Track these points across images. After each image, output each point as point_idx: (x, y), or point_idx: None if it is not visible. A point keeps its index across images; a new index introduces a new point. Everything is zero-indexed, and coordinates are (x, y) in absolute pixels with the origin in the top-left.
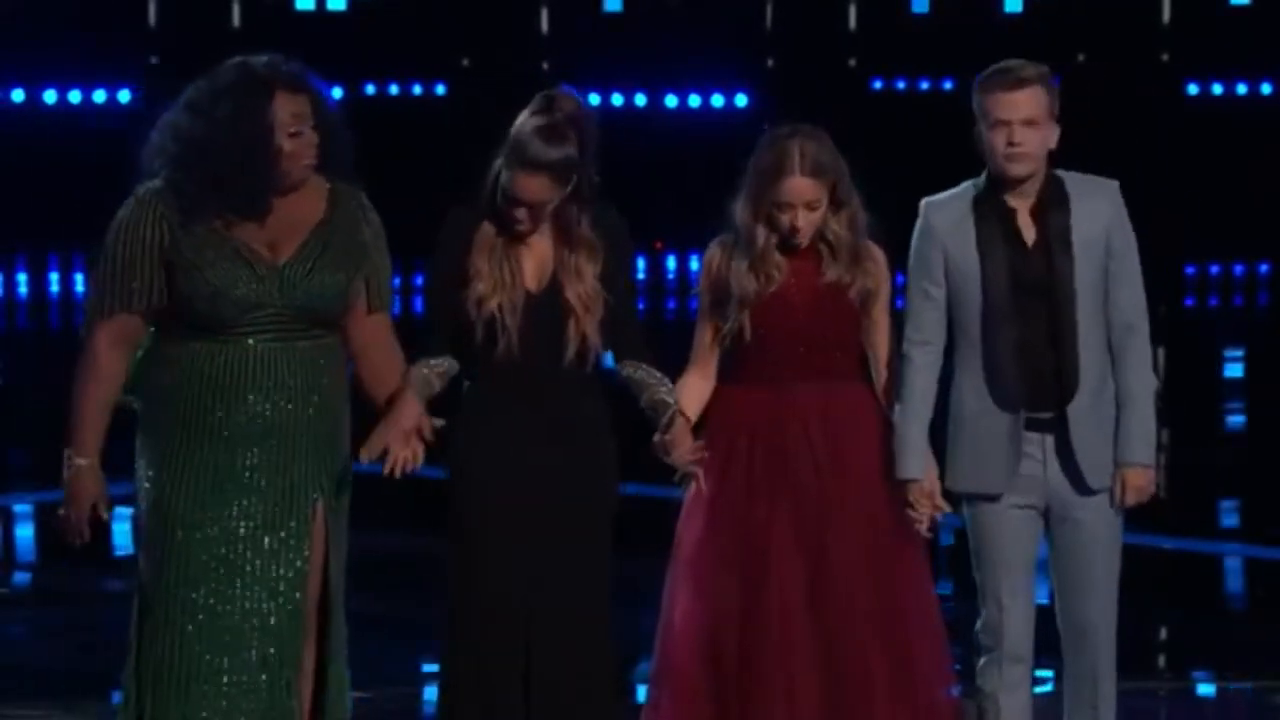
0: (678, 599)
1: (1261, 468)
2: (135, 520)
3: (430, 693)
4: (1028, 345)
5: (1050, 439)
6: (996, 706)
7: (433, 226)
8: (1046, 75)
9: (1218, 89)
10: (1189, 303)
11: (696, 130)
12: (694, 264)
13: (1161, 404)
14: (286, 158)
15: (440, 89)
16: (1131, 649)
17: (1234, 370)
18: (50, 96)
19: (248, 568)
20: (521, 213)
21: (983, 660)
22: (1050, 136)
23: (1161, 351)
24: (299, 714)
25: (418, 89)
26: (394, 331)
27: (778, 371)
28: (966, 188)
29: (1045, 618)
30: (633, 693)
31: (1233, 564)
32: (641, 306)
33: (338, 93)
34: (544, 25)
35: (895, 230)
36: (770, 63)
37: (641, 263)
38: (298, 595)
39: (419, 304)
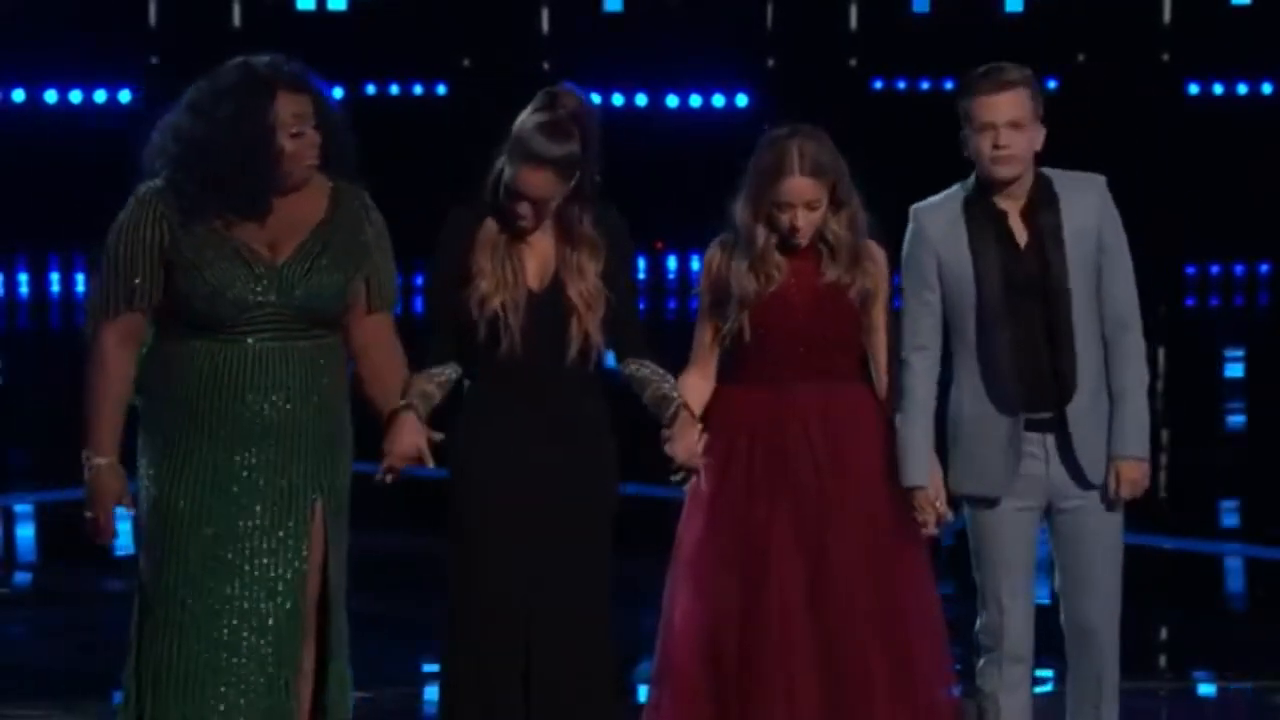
0: (678, 599)
1: (1262, 468)
2: (135, 520)
3: (430, 692)
4: (1024, 346)
5: (1051, 438)
6: (996, 707)
7: (433, 226)
8: (1030, 77)
9: (1218, 89)
10: (1189, 303)
11: (697, 130)
12: (694, 264)
13: (1156, 399)
14: (288, 158)
15: (441, 89)
16: (1132, 649)
17: (1234, 370)
18: (51, 96)
19: (246, 567)
20: (524, 208)
21: (983, 661)
22: (1036, 138)
23: (1162, 351)
24: (298, 714)
25: (418, 89)
26: (396, 331)
27: (778, 371)
28: (955, 191)
29: (1045, 618)
30: (633, 693)
31: (1233, 564)
32: (642, 306)
33: (338, 93)
34: (544, 25)
35: (895, 230)
36: (771, 63)
37: (642, 263)
38: (296, 595)
39: (419, 304)
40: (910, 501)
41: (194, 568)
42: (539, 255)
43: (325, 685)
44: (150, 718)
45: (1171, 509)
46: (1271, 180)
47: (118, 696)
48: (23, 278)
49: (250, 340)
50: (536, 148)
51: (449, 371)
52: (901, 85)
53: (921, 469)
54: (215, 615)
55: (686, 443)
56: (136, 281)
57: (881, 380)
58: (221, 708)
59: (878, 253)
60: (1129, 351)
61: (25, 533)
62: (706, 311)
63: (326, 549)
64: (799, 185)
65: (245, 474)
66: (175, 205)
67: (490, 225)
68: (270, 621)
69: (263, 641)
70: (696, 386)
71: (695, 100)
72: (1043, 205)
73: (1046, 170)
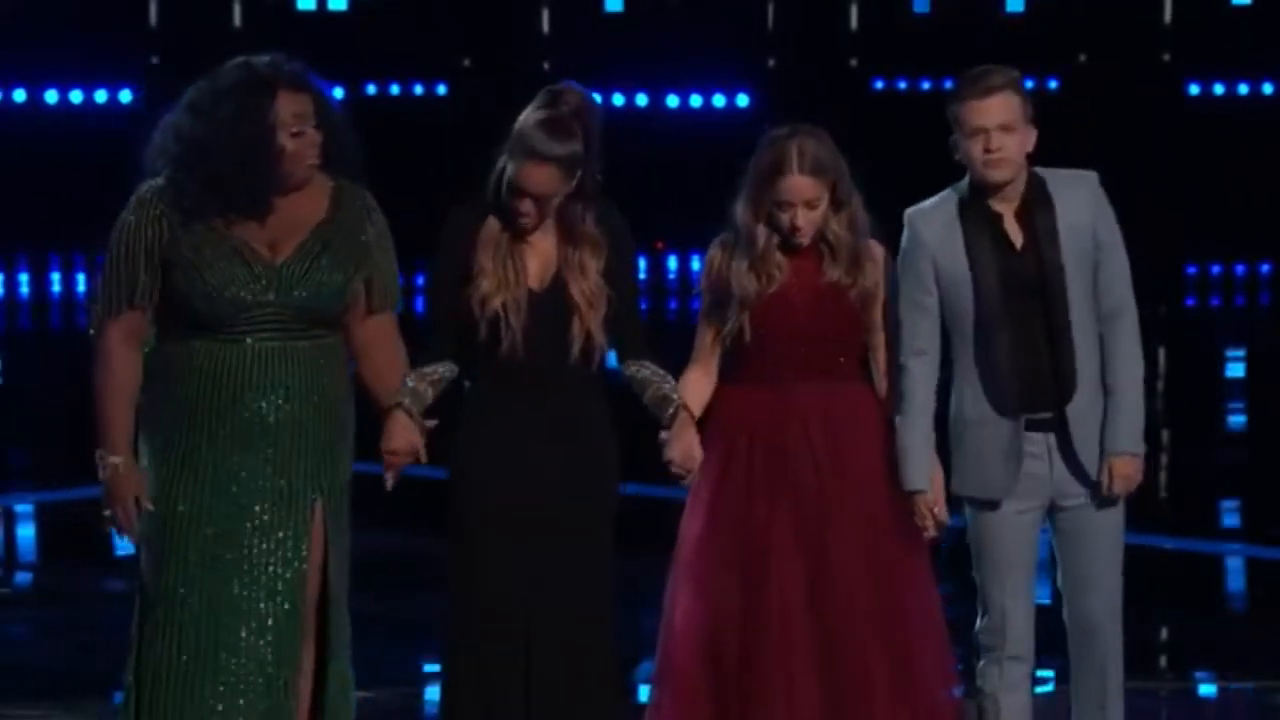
0: (679, 599)
1: (1262, 468)
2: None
3: (431, 692)
4: (1023, 348)
5: (1053, 437)
6: (997, 707)
7: (433, 226)
8: (1018, 80)
9: (1219, 89)
10: (1190, 303)
11: (697, 130)
12: (695, 264)
13: (1157, 399)
14: (289, 157)
15: (441, 89)
16: (1132, 649)
17: (1235, 370)
18: (51, 96)
19: (246, 567)
20: (526, 205)
21: (983, 661)
22: (1027, 139)
23: (1162, 351)
24: (297, 714)
25: (419, 89)
26: (398, 332)
27: (778, 371)
28: (949, 194)
29: (1045, 618)
30: (634, 693)
31: (1234, 564)
32: (643, 306)
33: (339, 93)
34: (545, 25)
35: (895, 230)
36: (771, 63)
37: (642, 263)
38: (296, 595)
39: (420, 304)
40: (909, 505)
41: (194, 568)
42: (540, 254)
43: (325, 685)
44: (150, 717)
45: (1172, 509)
46: (1272, 180)
47: (118, 696)
48: (23, 278)
49: (250, 340)
50: (538, 145)
51: (442, 370)
52: (902, 85)
53: (921, 473)
54: (215, 615)
55: (683, 444)
56: (139, 281)
57: (882, 380)
58: (220, 707)
59: (878, 253)
60: (1123, 346)
61: (25, 533)
62: (707, 311)
63: (327, 549)
64: (799, 184)
65: (245, 474)
66: (176, 205)
67: (492, 224)
68: (270, 621)
69: (262, 641)
70: (698, 386)
71: (696, 100)
72: (1037, 205)
73: (1039, 170)
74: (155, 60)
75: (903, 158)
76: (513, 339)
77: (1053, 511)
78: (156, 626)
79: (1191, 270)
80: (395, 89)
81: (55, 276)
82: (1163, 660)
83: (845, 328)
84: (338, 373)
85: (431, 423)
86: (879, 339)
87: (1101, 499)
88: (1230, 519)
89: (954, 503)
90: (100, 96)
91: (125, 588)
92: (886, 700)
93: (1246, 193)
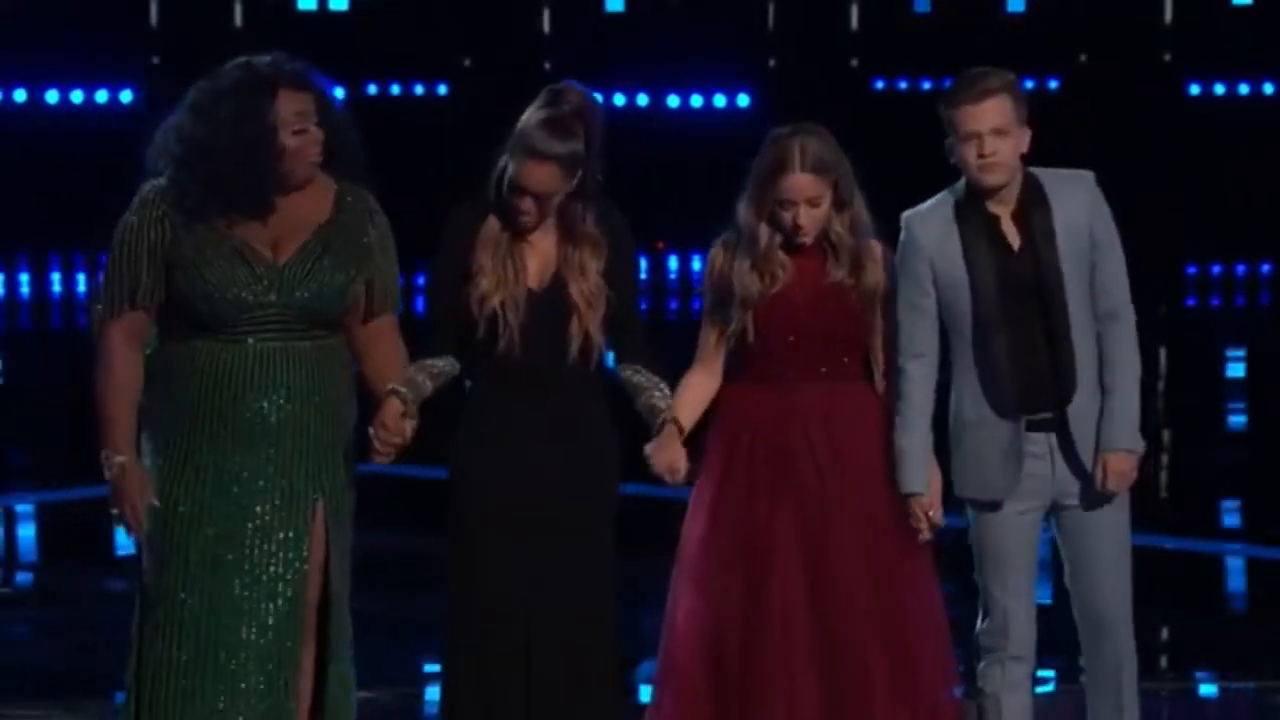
0: (681, 599)
1: (1263, 468)
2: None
3: (431, 692)
4: (1022, 349)
5: (1054, 436)
6: (998, 707)
7: (434, 227)
8: (1012, 82)
9: (1219, 89)
10: (1191, 303)
11: (698, 130)
12: (696, 264)
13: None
14: (290, 155)
15: (442, 89)
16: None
17: (1236, 370)
18: (52, 96)
19: (247, 567)
20: (526, 203)
21: (984, 661)
22: (1022, 142)
23: (1163, 351)
24: (297, 714)
25: (419, 89)
26: (399, 333)
27: (781, 371)
28: (945, 197)
29: (1045, 618)
30: (635, 693)
31: (1234, 564)
32: (643, 306)
33: (339, 93)
34: (545, 25)
35: (896, 231)
36: (772, 63)
37: (643, 263)
38: (297, 596)
39: (420, 304)
40: (906, 505)
41: (195, 568)
42: (540, 254)
43: (325, 685)
44: (150, 718)
45: (1172, 509)
46: (1272, 180)
47: (118, 697)
48: (23, 278)
49: (251, 340)
50: (539, 143)
51: (443, 364)
52: (903, 85)
53: (919, 476)
54: (216, 615)
55: (666, 458)
56: (142, 281)
57: (882, 381)
58: (221, 707)
59: (880, 253)
60: (1119, 344)
61: (26, 533)
62: (710, 311)
63: (328, 549)
64: (800, 182)
65: (246, 474)
66: (178, 205)
67: (492, 223)
68: (271, 621)
69: (263, 641)
70: (701, 386)
71: (696, 100)
72: (1034, 206)
73: (1035, 170)
74: (156, 60)
75: (903, 158)
76: (510, 338)
77: (1056, 511)
78: (157, 627)
79: (1191, 270)
80: (395, 89)
81: (55, 276)
82: (1163, 660)
83: (848, 328)
84: (339, 373)
85: (413, 423)
86: (880, 340)
87: (1104, 497)
88: (1230, 519)
89: (955, 504)
90: (101, 96)
91: (125, 588)
92: (887, 700)
93: (1246, 193)
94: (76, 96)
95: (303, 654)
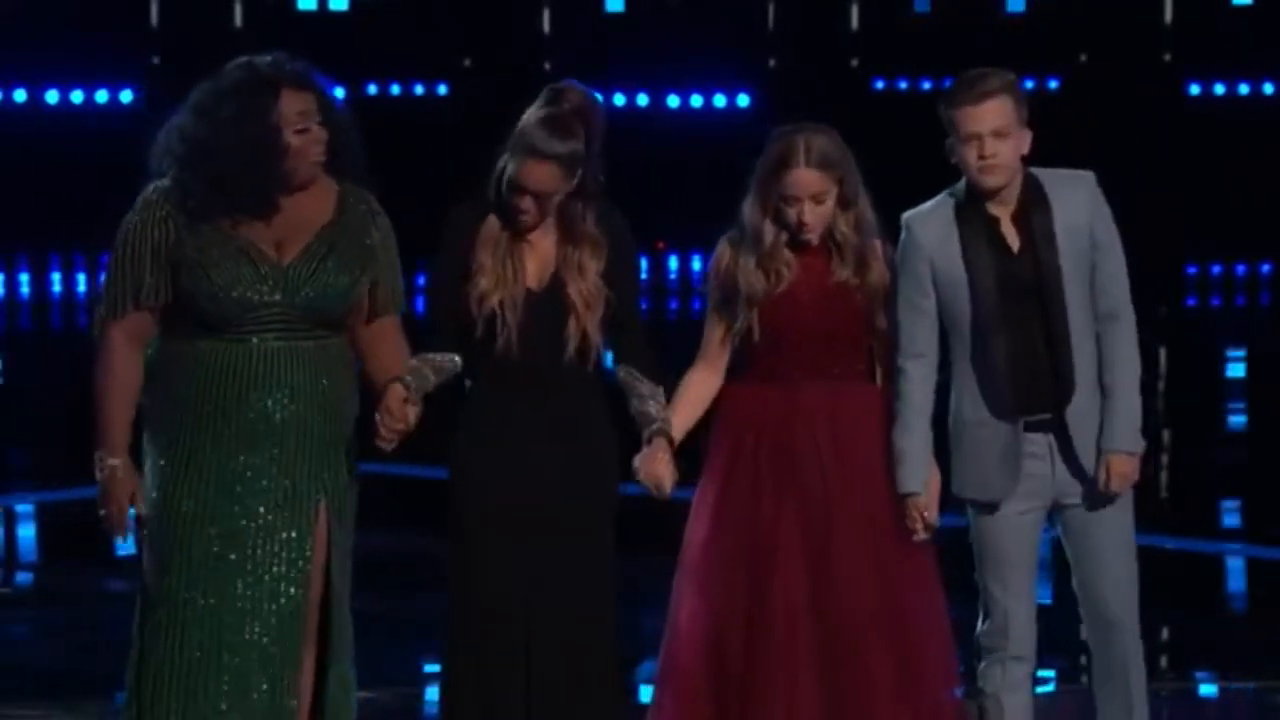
0: (684, 598)
1: (1263, 468)
2: (138, 519)
3: (431, 692)
4: (1021, 351)
5: (1053, 437)
6: (999, 707)
7: (434, 227)
8: (1013, 83)
9: (1219, 89)
10: (1191, 303)
11: (698, 130)
12: (696, 264)
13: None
14: (294, 154)
15: (442, 89)
16: None
17: (1236, 370)
18: (52, 96)
19: (249, 567)
20: (526, 202)
21: (985, 662)
22: (1022, 143)
23: (1163, 351)
24: (298, 714)
25: (419, 89)
26: (403, 334)
27: (786, 370)
28: (945, 198)
29: (1045, 618)
30: (635, 693)
31: (1234, 564)
32: (643, 307)
33: (339, 93)
34: (545, 25)
35: (897, 231)
36: (772, 63)
37: (643, 263)
38: (299, 596)
39: (420, 304)
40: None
41: (198, 567)
42: (540, 254)
43: (325, 686)
44: (152, 717)
45: (1172, 509)
46: (1272, 180)
47: (118, 697)
48: (23, 278)
49: (255, 340)
50: (539, 142)
51: (447, 359)
52: (903, 85)
53: (917, 476)
54: (218, 615)
55: (653, 471)
56: (147, 281)
57: (885, 381)
58: (223, 707)
59: (885, 252)
60: (1119, 345)
61: (26, 533)
62: (715, 309)
63: (329, 550)
64: (805, 177)
65: (249, 474)
66: (182, 206)
67: (492, 222)
68: (273, 621)
69: (265, 641)
70: (703, 384)
71: (696, 100)
72: (1034, 207)
73: (1035, 170)
74: (156, 60)
75: (903, 158)
76: (509, 337)
77: (1058, 511)
78: (159, 626)
79: (1191, 270)
80: (396, 89)
81: (55, 276)
82: (1163, 660)
83: (853, 328)
84: (342, 373)
85: (416, 410)
86: (884, 340)
87: (1106, 497)
88: (1230, 519)
89: (956, 504)
90: (101, 96)
91: (125, 588)
92: (889, 700)
93: (1246, 193)
94: (76, 96)
95: (304, 654)
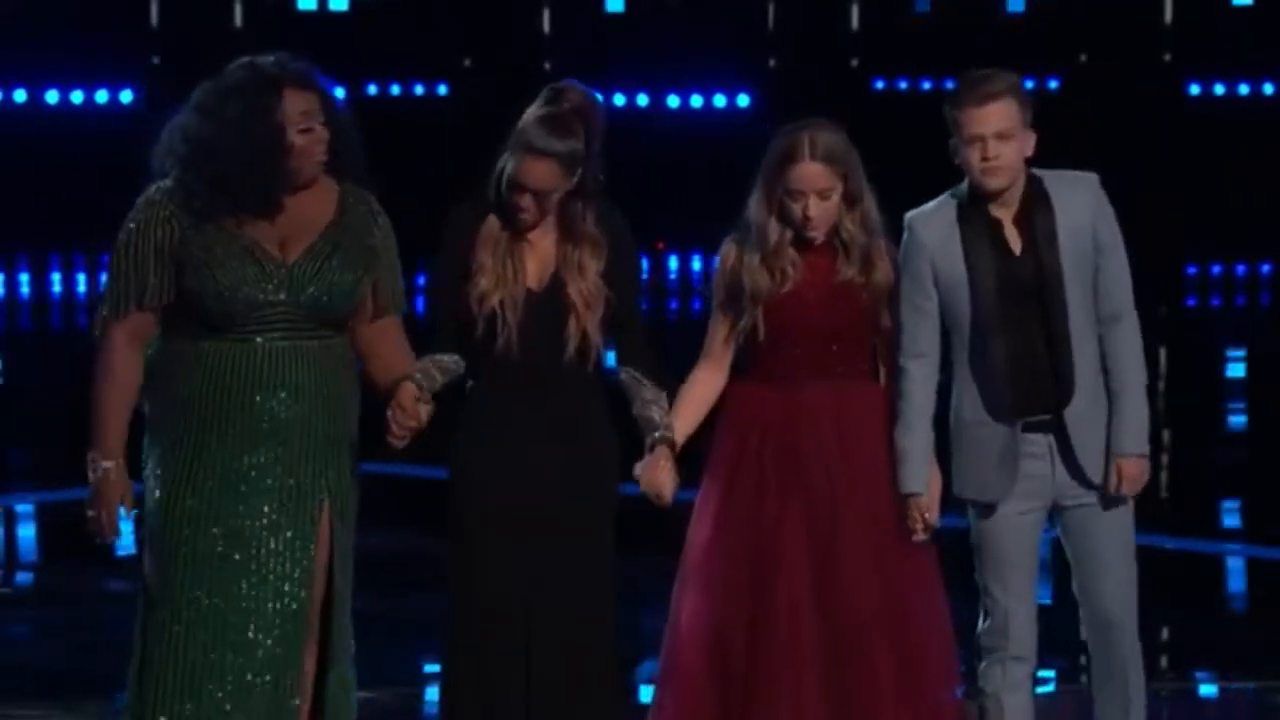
0: (686, 598)
1: (1263, 468)
2: (139, 519)
3: (431, 692)
4: (1021, 353)
5: (1052, 438)
6: (1000, 707)
7: (434, 227)
8: (1017, 85)
9: (1219, 89)
10: (1191, 303)
11: (698, 131)
12: (696, 264)
13: (1157, 399)
14: (298, 154)
15: (442, 89)
16: None
17: (1236, 370)
18: (52, 97)
19: (254, 566)
20: (525, 200)
21: (985, 661)
22: (1026, 145)
23: (1163, 351)
24: (301, 714)
25: (419, 89)
26: (404, 334)
27: (791, 370)
28: (948, 199)
29: (1045, 618)
30: (635, 693)
31: (1234, 564)
32: (644, 307)
33: (339, 93)
34: (545, 25)
35: (896, 231)
36: (772, 63)
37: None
38: (303, 595)
39: (420, 304)
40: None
41: (202, 567)
42: (540, 254)
43: (325, 686)
44: (154, 717)
45: (1172, 509)
46: (1272, 180)
47: (118, 697)
48: (23, 278)
49: (260, 340)
50: (537, 140)
51: (451, 361)
52: (902, 85)
53: (918, 476)
54: (221, 614)
55: (654, 479)
56: (151, 281)
57: (888, 381)
58: (227, 707)
59: (891, 252)
60: (1125, 348)
61: (26, 533)
62: (720, 307)
63: (331, 550)
64: (810, 171)
65: (254, 474)
66: (185, 206)
67: (492, 222)
68: (277, 621)
69: (269, 641)
70: (707, 384)
71: (696, 100)
72: (1036, 209)
73: (1038, 171)
74: (156, 60)
75: (903, 158)
76: (509, 337)
77: (1058, 512)
78: (162, 627)
79: (1191, 270)
80: (396, 89)
81: (55, 277)
82: (1163, 660)
83: (858, 327)
84: (344, 373)
85: (428, 408)
86: (887, 340)
87: (1107, 498)
88: (1230, 519)
89: (957, 504)
90: (101, 97)
91: (125, 588)
92: (892, 700)
93: (1246, 193)
94: (76, 96)
95: (306, 654)
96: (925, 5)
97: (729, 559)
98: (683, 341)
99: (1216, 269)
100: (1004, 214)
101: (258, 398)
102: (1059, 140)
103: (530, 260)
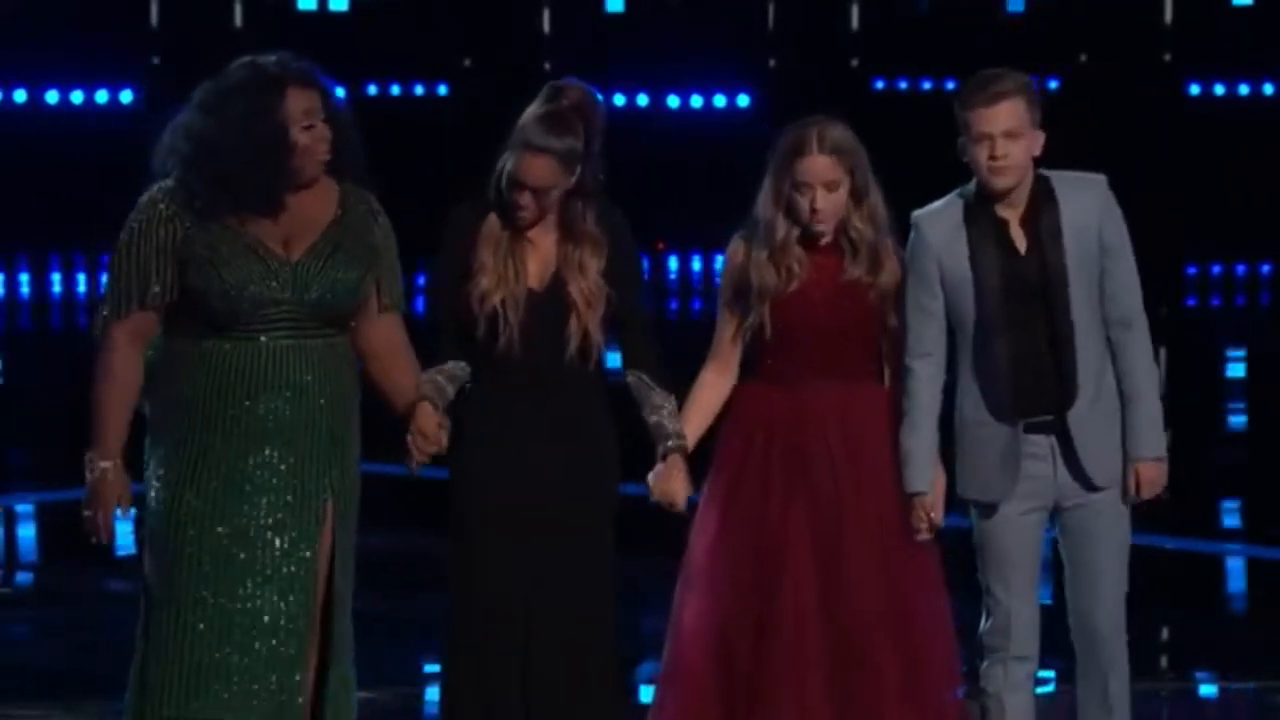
0: (689, 598)
1: (1263, 468)
2: (139, 519)
3: (431, 692)
4: (1024, 354)
5: (1054, 439)
6: (1001, 706)
7: (434, 227)
8: (1026, 84)
9: (1219, 89)
10: (1191, 303)
11: (698, 131)
12: (696, 264)
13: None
14: (301, 152)
15: (442, 89)
16: (1133, 649)
17: (1236, 370)
18: (52, 97)
19: (258, 565)
20: (525, 198)
21: (987, 661)
22: (1034, 145)
23: (1163, 351)
24: (304, 713)
25: (419, 89)
26: (405, 333)
27: (798, 370)
28: (955, 198)
29: (1046, 618)
30: (635, 693)
31: (1234, 564)
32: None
33: (340, 93)
34: (545, 25)
35: (901, 230)
36: (772, 63)
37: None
38: (306, 594)
39: (420, 304)
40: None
41: (206, 566)
42: (541, 253)
43: (326, 685)
44: (158, 717)
45: (1172, 509)
46: (1272, 180)
47: (118, 697)
48: (24, 278)
49: (263, 338)
50: (536, 137)
51: (457, 368)
52: (902, 85)
53: (923, 475)
54: (226, 614)
55: (667, 488)
56: (154, 281)
57: (893, 381)
58: (232, 705)
59: (896, 251)
60: (1136, 351)
61: (26, 533)
62: (728, 306)
63: (333, 549)
64: (818, 163)
65: (259, 473)
66: (187, 205)
67: (493, 221)
68: (281, 620)
69: (274, 640)
70: (715, 387)
71: (696, 100)
72: (1043, 209)
73: (1046, 172)
74: (156, 60)
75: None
76: (510, 336)
77: (1058, 512)
78: (165, 625)
79: (1191, 270)
80: (396, 89)
81: (55, 277)
82: (1163, 660)
83: (865, 327)
84: (346, 372)
85: (447, 423)
86: (893, 339)
87: (1107, 501)
88: (1230, 519)
89: (960, 504)
90: (101, 97)
91: (125, 588)
92: (896, 701)
93: (1246, 193)
94: (76, 96)
95: (308, 653)
96: (925, 5)
97: (734, 559)
98: (683, 341)
99: (1216, 269)
100: (1010, 214)
101: (263, 397)
102: (1059, 140)
103: (531, 260)
